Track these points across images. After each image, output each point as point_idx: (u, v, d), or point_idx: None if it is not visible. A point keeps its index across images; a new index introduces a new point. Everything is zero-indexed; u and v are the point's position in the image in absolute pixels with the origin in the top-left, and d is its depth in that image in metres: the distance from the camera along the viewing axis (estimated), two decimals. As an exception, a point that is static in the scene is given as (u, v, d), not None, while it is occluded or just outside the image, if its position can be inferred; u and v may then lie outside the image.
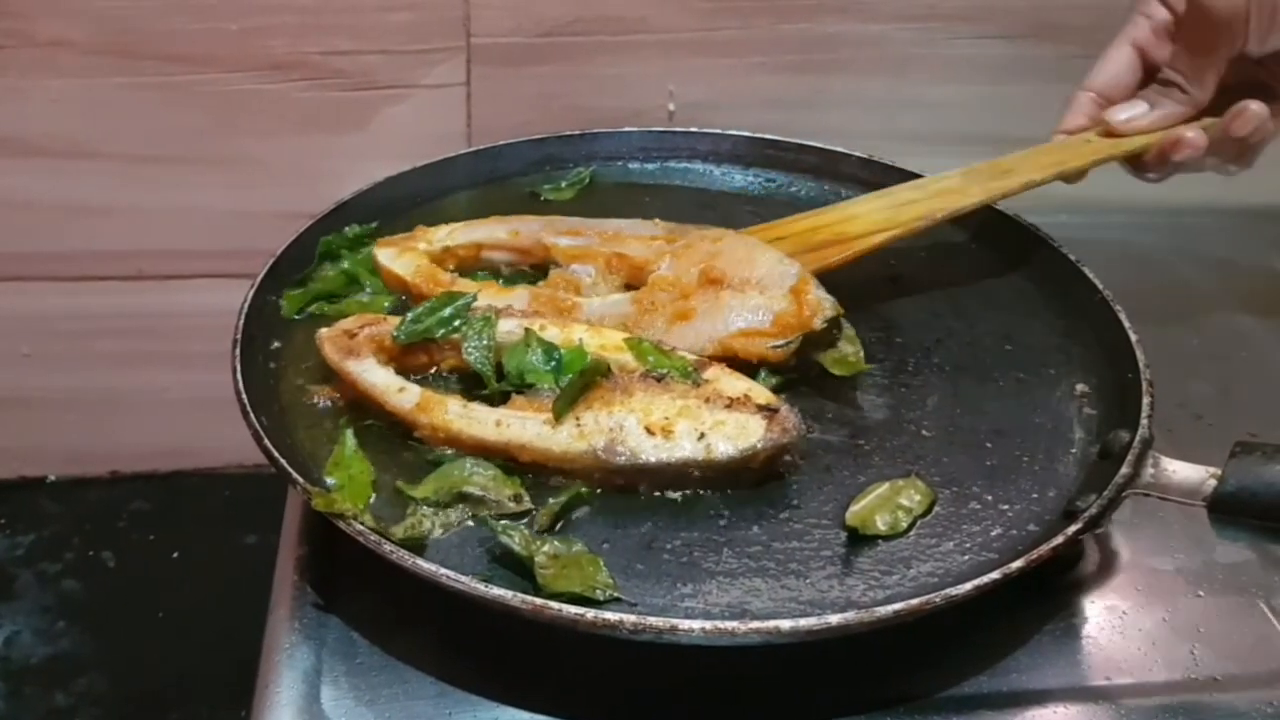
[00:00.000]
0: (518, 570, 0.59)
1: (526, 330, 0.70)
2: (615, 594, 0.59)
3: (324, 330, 0.71)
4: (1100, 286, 0.79)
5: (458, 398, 0.68)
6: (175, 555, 1.19)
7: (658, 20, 1.04)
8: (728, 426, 0.64)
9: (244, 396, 0.66)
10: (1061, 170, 0.81)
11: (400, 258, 0.79)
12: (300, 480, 0.61)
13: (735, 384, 0.68)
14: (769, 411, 0.65)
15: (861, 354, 0.74)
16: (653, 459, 0.64)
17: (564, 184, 0.92)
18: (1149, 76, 0.81)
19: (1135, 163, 0.81)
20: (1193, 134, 0.78)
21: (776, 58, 1.04)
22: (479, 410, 0.66)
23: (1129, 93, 0.82)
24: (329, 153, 1.05)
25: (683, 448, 0.64)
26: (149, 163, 1.06)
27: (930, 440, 0.70)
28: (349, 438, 0.66)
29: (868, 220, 0.81)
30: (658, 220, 0.81)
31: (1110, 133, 0.81)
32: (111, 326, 1.15)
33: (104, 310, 1.14)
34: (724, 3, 1.04)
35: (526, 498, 0.63)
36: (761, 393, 0.67)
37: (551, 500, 0.63)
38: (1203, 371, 0.84)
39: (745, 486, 0.65)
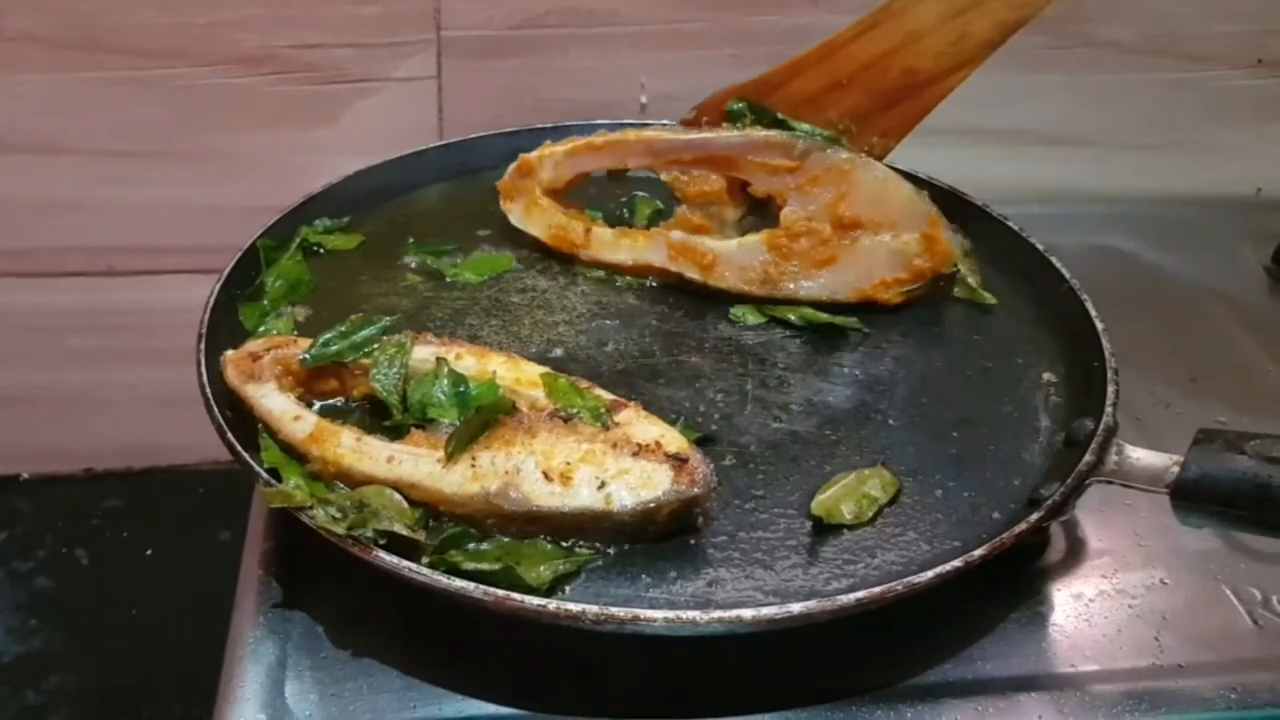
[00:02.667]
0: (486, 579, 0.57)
1: (438, 359, 0.66)
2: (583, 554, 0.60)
3: (229, 352, 0.68)
4: (1067, 275, 0.79)
5: (353, 430, 0.64)
6: (149, 552, 1.18)
7: (629, 12, 1.03)
8: (631, 475, 0.60)
9: (207, 390, 0.66)
10: None
11: (528, 215, 0.84)
12: (263, 474, 0.61)
13: (647, 429, 0.63)
14: (678, 461, 0.61)
15: (981, 282, 0.81)
16: (546, 506, 0.60)
17: (535, 177, 0.93)
18: None
19: None
20: None
21: (748, 50, 1.04)
22: (372, 444, 0.63)
23: None
24: (299, 147, 1.05)
25: (580, 495, 0.60)
26: (118, 158, 1.05)
27: (897, 430, 0.71)
28: (310, 431, 0.65)
29: (932, 45, 0.81)
30: (770, 136, 0.81)
31: None
32: (83, 323, 1.13)
33: (75, 307, 1.12)
34: (695, -6, 1.04)
35: (422, 532, 0.59)
36: (674, 440, 0.63)
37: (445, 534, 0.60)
38: (1171, 360, 0.85)
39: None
